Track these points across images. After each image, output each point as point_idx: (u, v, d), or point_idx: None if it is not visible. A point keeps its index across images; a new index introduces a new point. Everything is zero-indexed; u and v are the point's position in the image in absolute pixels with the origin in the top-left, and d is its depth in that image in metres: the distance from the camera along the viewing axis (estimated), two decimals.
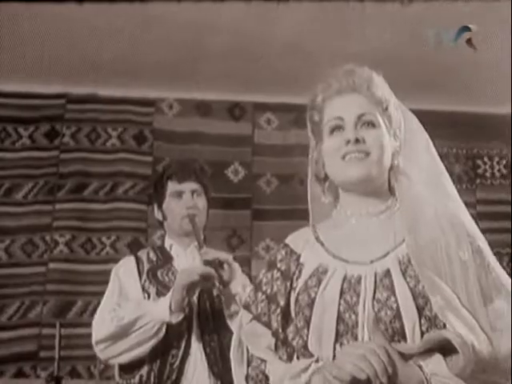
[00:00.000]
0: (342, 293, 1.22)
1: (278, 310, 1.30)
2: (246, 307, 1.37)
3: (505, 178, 3.75)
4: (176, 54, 3.27)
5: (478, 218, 3.68)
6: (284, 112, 3.66)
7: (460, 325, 1.14)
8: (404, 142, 1.35)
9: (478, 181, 3.76)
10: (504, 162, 3.78)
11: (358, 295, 1.21)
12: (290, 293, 1.30)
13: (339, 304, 1.21)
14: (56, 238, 3.47)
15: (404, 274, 1.21)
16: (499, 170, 3.78)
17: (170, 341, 2.04)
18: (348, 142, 1.27)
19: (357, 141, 1.27)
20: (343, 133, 1.29)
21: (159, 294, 2.10)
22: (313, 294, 1.24)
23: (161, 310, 2.00)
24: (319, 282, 1.25)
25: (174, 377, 2.03)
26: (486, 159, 3.79)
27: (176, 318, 2.00)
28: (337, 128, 1.30)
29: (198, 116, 3.74)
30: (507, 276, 1.26)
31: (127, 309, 2.04)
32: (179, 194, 2.20)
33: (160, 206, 2.25)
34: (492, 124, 3.68)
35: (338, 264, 1.27)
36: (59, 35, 3.13)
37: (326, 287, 1.24)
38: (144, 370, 2.05)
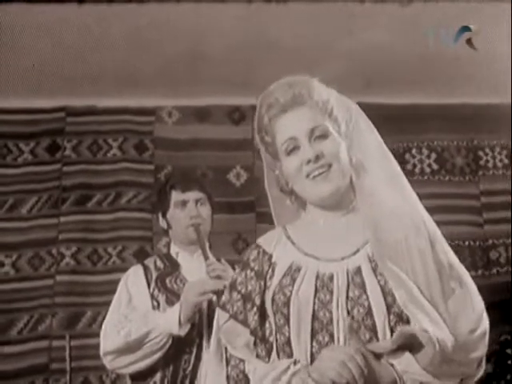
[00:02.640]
0: (315, 291, 1.26)
1: (255, 309, 1.33)
2: (222, 307, 1.39)
3: (507, 168, 3.74)
4: (173, 62, 3.27)
5: (482, 209, 3.68)
6: None
7: (424, 319, 1.20)
8: (352, 135, 1.37)
9: (480, 172, 3.75)
10: (505, 152, 3.77)
11: (331, 293, 1.25)
12: (264, 292, 1.33)
13: (314, 303, 1.26)
14: (62, 251, 3.47)
15: (374, 271, 1.26)
16: (501, 160, 3.76)
17: (182, 346, 2.05)
18: (309, 161, 1.30)
19: (316, 158, 1.30)
20: (300, 152, 1.32)
21: (169, 301, 2.11)
22: (288, 293, 1.28)
23: (169, 323, 2.01)
24: (293, 281, 1.29)
25: (187, 382, 2.04)
26: (487, 150, 3.78)
27: (184, 331, 2.01)
28: (293, 148, 1.33)
29: (198, 122, 3.74)
30: (463, 267, 1.33)
31: (134, 322, 2.04)
32: (183, 204, 2.20)
33: (164, 215, 2.26)
34: (491, 114, 3.67)
35: (309, 262, 1.31)
36: (54, 49, 3.14)
37: (300, 287, 1.28)
38: (157, 377, 2.06)
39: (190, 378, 2.04)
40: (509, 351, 3.40)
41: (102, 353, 2.08)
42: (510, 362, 3.39)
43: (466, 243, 3.59)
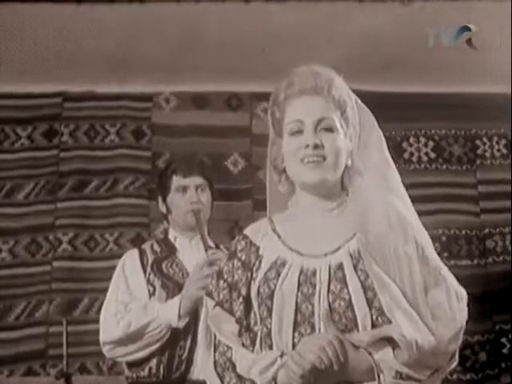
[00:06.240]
0: (299, 285, 1.32)
1: (241, 299, 1.38)
2: (209, 294, 1.44)
3: (505, 157, 3.74)
4: (171, 48, 3.26)
5: (479, 198, 3.68)
6: None
7: (406, 323, 1.26)
8: (359, 141, 1.43)
9: (478, 161, 3.73)
10: (503, 141, 3.76)
11: (314, 287, 1.31)
12: (250, 283, 1.38)
13: (297, 296, 1.31)
14: (59, 237, 3.47)
15: (355, 267, 1.31)
16: (499, 150, 3.75)
17: (178, 333, 2.06)
18: (307, 146, 1.35)
19: (315, 146, 1.35)
20: (303, 136, 1.37)
21: (164, 286, 2.12)
22: (272, 286, 1.33)
23: (168, 316, 2.02)
24: (278, 274, 1.34)
25: (183, 368, 2.05)
26: (485, 139, 3.76)
27: (183, 322, 2.03)
28: (297, 131, 1.38)
29: (196, 108, 3.73)
30: (446, 268, 1.37)
31: (134, 313, 2.05)
32: (184, 189, 2.21)
33: (164, 200, 2.26)
34: (490, 104, 3.66)
35: (294, 257, 1.36)
36: (53, 34, 3.12)
37: (284, 280, 1.33)
38: (153, 363, 2.07)
39: (186, 364, 2.05)
40: (504, 340, 3.42)
41: (101, 341, 2.09)
42: (505, 351, 3.41)
43: (463, 232, 3.59)
